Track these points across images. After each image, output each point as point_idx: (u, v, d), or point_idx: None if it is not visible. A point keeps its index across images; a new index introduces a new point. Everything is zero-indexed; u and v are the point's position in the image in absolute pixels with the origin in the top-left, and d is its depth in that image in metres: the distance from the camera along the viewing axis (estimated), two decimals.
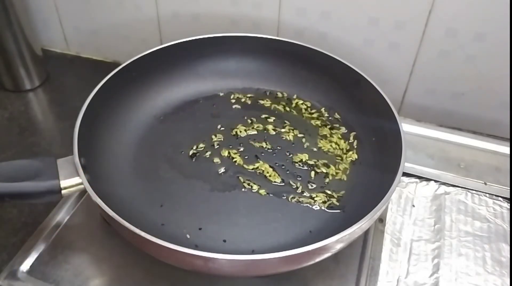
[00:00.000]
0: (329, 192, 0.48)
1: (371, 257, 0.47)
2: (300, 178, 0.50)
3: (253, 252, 0.43)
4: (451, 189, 0.54)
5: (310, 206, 0.47)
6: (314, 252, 0.37)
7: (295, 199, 0.48)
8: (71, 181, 0.41)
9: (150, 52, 0.55)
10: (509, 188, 0.54)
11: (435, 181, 0.55)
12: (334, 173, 0.50)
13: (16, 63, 0.66)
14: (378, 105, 0.51)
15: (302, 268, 0.40)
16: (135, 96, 0.55)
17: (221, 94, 0.60)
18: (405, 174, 0.55)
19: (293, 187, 0.49)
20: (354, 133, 0.55)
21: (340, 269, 0.45)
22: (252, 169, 0.50)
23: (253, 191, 0.48)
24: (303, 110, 0.58)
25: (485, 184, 0.55)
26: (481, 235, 0.49)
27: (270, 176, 0.50)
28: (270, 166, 0.51)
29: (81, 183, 0.41)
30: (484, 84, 0.59)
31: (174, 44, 0.57)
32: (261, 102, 0.59)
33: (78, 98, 0.50)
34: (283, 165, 0.51)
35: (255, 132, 0.55)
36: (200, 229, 0.45)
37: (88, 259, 0.45)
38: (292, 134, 0.54)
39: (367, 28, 0.59)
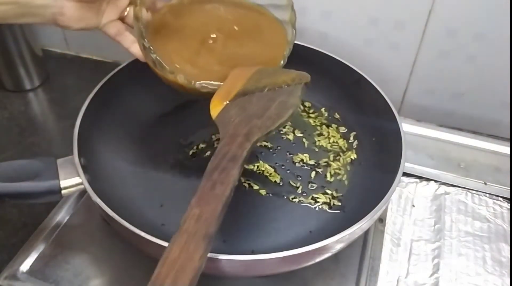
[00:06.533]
0: (329, 192, 0.48)
1: (371, 257, 0.47)
2: (300, 178, 0.50)
3: (253, 252, 0.43)
4: (451, 189, 0.54)
5: (310, 206, 0.47)
6: (314, 252, 0.37)
7: (295, 199, 0.48)
8: (71, 181, 0.41)
9: None
10: (509, 188, 0.54)
11: (435, 181, 0.55)
12: (335, 173, 0.50)
13: (16, 63, 0.66)
14: (378, 105, 0.51)
15: (302, 268, 0.40)
16: (135, 96, 0.55)
17: None
18: (405, 174, 0.55)
19: (294, 187, 0.49)
20: (354, 133, 0.55)
21: (340, 269, 0.45)
22: (252, 169, 0.50)
23: (253, 191, 0.48)
24: (303, 110, 0.58)
25: (485, 184, 0.55)
26: (481, 235, 0.49)
27: (270, 176, 0.50)
28: (271, 166, 0.51)
29: (81, 183, 0.41)
30: (484, 84, 0.59)
31: None
32: None
33: (78, 98, 0.50)
34: (283, 165, 0.51)
35: None
36: None
37: (88, 259, 0.45)
38: (292, 134, 0.54)
39: (367, 28, 0.59)
